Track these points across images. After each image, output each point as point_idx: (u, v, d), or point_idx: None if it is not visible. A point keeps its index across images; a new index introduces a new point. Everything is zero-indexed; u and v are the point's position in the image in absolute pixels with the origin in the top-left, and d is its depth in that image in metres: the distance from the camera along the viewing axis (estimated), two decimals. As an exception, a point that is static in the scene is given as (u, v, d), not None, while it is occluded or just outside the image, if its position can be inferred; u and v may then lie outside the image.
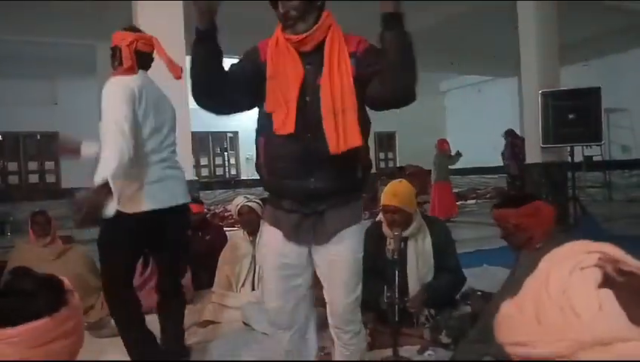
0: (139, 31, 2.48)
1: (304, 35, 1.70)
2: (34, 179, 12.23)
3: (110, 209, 2.10)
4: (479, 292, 2.93)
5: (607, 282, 0.50)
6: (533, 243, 2.15)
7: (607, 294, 0.48)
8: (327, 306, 1.98)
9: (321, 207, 1.81)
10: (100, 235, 2.43)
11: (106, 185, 2.07)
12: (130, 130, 2.18)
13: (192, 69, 1.65)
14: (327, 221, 1.82)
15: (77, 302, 0.94)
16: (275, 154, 1.79)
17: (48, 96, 12.02)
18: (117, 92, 2.25)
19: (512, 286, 0.66)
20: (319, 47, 1.72)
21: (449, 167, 9.01)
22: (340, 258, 1.85)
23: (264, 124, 1.80)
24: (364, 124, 1.77)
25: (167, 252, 2.60)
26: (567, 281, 0.50)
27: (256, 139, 1.86)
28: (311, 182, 1.76)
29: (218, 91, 1.70)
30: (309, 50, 1.72)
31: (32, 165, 12.31)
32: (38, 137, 12.31)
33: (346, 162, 1.75)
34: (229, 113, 1.86)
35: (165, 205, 2.38)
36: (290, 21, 1.70)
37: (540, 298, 0.50)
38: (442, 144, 9.03)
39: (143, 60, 2.43)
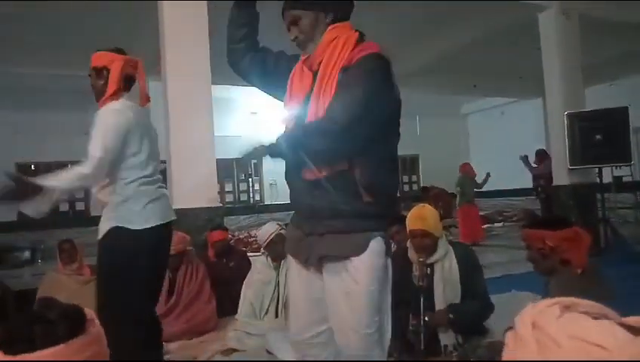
0: (123, 52, 2.52)
1: (307, 55, 1.74)
2: (64, 207, 12.49)
3: (28, 208, 2.14)
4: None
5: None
6: (572, 268, 2.10)
7: (610, 323, 0.51)
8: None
9: (320, 228, 1.73)
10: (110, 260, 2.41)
11: (43, 188, 2.12)
12: (112, 161, 2.28)
13: (229, 26, 1.79)
14: (322, 243, 1.74)
15: (98, 330, 0.95)
16: (288, 169, 1.82)
17: (79, 125, 12.36)
18: (112, 120, 2.32)
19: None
20: None
21: (475, 190, 8.90)
22: (345, 289, 1.73)
23: None
24: (368, 144, 1.66)
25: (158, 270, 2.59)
26: (537, 315, 0.54)
27: None
28: (313, 200, 1.73)
29: (241, 53, 1.80)
30: (317, 68, 1.72)
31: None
32: (69, 166, 12.58)
33: (343, 184, 1.67)
34: (244, 75, 1.87)
35: (167, 219, 2.46)
36: (301, 45, 1.76)
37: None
38: (465, 167, 8.95)
39: (129, 84, 2.48)
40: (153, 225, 2.37)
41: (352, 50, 1.68)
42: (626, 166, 7.12)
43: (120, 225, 2.33)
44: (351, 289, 1.72)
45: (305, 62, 1.75)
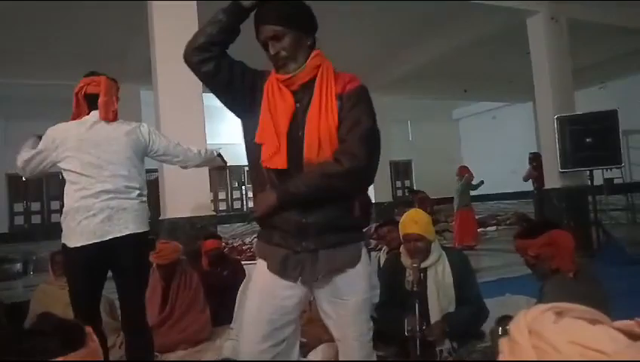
0: (96, 74, 2.66)
1: (291, 74, 1.74)
2: (56, 218, 12.42)
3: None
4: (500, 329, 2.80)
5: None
6: (562, 272, 2.11)
7: (607, 328, 0.51)
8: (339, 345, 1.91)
9: (313, 245, 1.74)
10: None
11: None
12: (31, 171, 2.66)
13: (207, 25, 1.73)
14: (319, 259, 1.74)
15: (95, 346, 0.94)
16: (266, 187, 1.78)
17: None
18: (44, 136, 2.58)
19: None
20: (308, 86, 1.75)
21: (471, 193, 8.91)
22: (342, 300, 1.79)
23: (255, 156, 1.79)
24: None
25: (120, 280, 2.58)
26: (532, 321, 0.54)
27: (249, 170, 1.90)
28: (302, 216, 1.73)
29: (212, 54, 1.72)
30: (296, 89, 1.76)
31: (55, 204, 12.52)
32: (61, 177, 12.51)
33: (336, 200, 1.74)
34: (206, 78, 1.78)
35: (106, 237, 2.42)
36: (281, 61, 1.75)
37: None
38: (463, 170, 8.94)
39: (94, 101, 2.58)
40: (85, 243, 2.39)
41: (336, 77, 1.78)
42: (617, 168, 7.18)
43: (63, 242, 2.44)
44: (349, 300, 1.79)
45: (284, 81, 1.76)
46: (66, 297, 3.77)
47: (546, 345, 0.51)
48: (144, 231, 2.56)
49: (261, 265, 1.84)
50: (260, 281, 1.84)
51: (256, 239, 2.04)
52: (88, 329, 0.97)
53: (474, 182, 8.88)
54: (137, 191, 2.55)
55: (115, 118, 2.61)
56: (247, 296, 1.95)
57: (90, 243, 2.40)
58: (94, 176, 2.48)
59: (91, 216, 2.41)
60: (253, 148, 1.79)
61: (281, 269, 1.78)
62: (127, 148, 2.57)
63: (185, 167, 2.96)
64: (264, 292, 1.81)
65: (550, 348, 0.50)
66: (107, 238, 2.42)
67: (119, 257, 2.48)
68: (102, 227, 2.41)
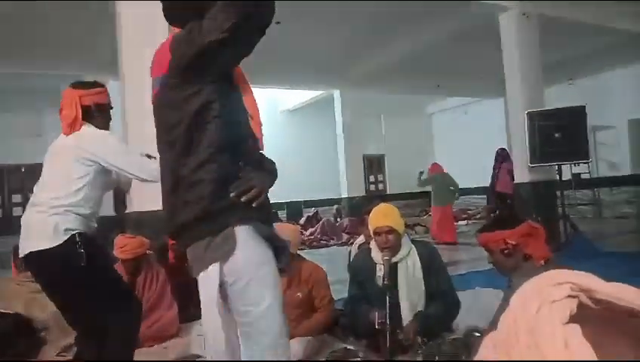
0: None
1: None
2: (18, 212, 12.08)
3: None
4: (477, 334, 2.79)
5: (581, 311, 0.47)
6: (534, 261, 2.12)
7: (574, 330, 0.45)
8: None
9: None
10: None
11: None
12: None
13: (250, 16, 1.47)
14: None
15: None
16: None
17: (33, 128, 11.96)
18: None
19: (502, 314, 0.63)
20: None
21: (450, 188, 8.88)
22: None
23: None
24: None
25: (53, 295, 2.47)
26: (533, 319, 0.47)
27: None
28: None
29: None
30: None
31: (16, 198, 12.18)
32: (22, 170, 12.19)
33: None
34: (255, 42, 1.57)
35: (23, 251, 2.33)
36: None
37: (509, 338, 0.47)
38: (435, 167, 8.94)
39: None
40: (21, 255, 2.36)
41: None
42: (585, 163, 7.32)
43: None
44: None
45: None
46: (26, 293, 3.65)
47: (515, 327, 0.47)
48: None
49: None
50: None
51: None
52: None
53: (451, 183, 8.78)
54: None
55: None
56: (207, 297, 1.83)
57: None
58: None
59: None
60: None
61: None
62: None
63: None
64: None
65: (514, 332, 0.46)
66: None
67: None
68: None
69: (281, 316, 1.58)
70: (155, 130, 1.69)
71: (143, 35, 4.59)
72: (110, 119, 2.58)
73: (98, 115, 2.48)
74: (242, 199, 1.53)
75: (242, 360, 1.58)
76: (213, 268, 1.52)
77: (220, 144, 1.55)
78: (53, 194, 2.38)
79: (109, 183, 2.62)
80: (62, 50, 7.74)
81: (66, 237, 2.29)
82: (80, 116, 2.44)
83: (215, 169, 1.53)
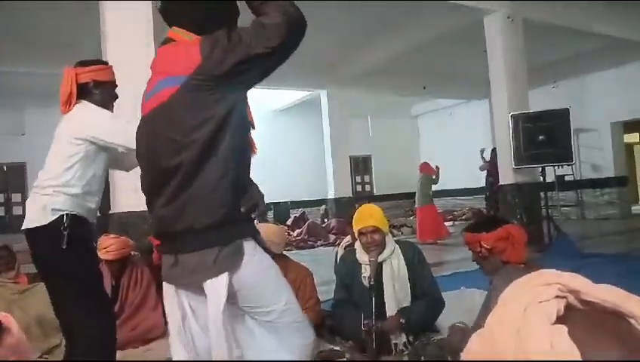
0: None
1: None
2: (0, 211, 11.88)
3: None
4: (460, 324, 2.82)
5: (569, 311, 0.47)
6: (513, 264, 2.14)
7: (560, 331, 0.45)
8: None
9: None
10: None
11: None
12: None
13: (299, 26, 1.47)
14: None
15: (12, 341, 0.87)
16: None
17: (16, 126, 11.76)
18: None
19: (485, 315, 0.63)
20: None
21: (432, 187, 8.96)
22: None
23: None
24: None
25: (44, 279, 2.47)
26: (520, 319, 0.47)
27: None
28: None
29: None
30: None
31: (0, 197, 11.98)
32: (5, 168, 11.99)
33: None
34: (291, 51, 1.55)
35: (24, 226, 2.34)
36: None
37: (496, 337, 0.47)
38: (425, 167, 8.97)
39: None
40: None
41: None
42: (568, 165, 7.41)
43: None
44: None
45: None
46: (6, 294, 3.60)
47: (500, 326, 0.47)
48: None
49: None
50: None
51: None
52: (8, 322, 0.90)
53: (434, 177, 8.88)
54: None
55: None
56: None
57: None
58: None
59: None
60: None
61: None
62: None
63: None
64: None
65: (499, 331, 0.46)
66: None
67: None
68: None
69: (297, 304, 1.70)
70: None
71: (128, 34, 4.56)
72: (114, 97, 2.50)
73: (97, 92, 2.41)
74: (252, 216, 1.61)
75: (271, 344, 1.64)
76: (222, 278, 1.51)
77: (238, 152, 1.55)
78: (46, 176, 2.36)
79: (107, 161, 2.49)
80: (46, 49, 7.65)
81: (53, 218, 2.26)
82: (74, 93, 2.37)
83: (234, 178, 1.52)
